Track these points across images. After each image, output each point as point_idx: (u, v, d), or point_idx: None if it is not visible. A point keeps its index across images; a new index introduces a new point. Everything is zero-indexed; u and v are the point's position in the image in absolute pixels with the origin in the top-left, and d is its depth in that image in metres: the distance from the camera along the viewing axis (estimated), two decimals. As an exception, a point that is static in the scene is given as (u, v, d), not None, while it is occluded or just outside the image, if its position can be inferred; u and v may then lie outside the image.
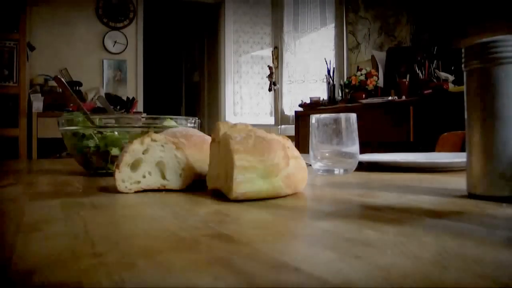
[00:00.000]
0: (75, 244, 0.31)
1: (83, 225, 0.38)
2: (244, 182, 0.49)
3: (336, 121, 0.97)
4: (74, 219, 0.41)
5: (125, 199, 0.52)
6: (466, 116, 0.56)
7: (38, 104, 3.93)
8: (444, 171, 0.88)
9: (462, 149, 1.47)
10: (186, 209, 0.46)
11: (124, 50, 4.73)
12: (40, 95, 3.98)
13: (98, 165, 0.87)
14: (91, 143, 0.87)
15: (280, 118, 4.68)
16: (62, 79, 0.86)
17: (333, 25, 4.07)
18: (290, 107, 4.44)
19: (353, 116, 0.99)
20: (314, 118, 0.99)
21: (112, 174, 0.86)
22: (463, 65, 0.55)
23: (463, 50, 0.56)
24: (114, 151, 0.85)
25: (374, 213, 0.43)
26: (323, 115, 0.98)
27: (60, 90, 0.87)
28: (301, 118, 3.58)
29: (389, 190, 0.62)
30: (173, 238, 0.33)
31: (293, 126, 3.67)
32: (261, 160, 0.50)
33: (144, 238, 0.33)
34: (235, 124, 0.57)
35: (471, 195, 0.54)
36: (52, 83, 4.06)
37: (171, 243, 0.31)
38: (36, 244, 0.31)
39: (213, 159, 0.57)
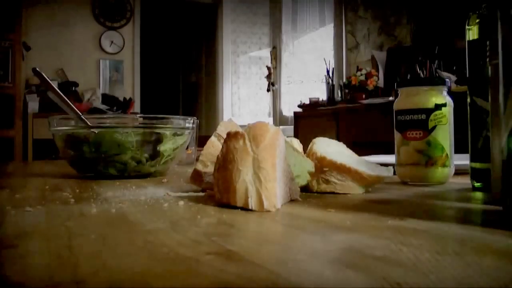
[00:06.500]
0: (54, 265, 0.26)
1: (67, 240, 0.33)
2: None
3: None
4: (58, 231, 0.36)
5: (119, 207, 0.47)
6: (490, 116, 0.51)
7: (33, 104, 3.87)
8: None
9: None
10: (187, 218, 0.42)
11: (121, 50, 4.68)
12: (35, 95, 3.92)
13: (91, 168, 0.82)
14: (84, 145, 0.82)
15: (279, 119, 4.63)
16: (42, 73, 0.81)
17: (332, 24, 4.03)
18: (289, 108, 4.40)
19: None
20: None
21: (105, 177, 0.82)
22: (487, 59, 0.51)
23: (488, 43, 0.51)
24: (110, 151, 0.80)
25: (397, 224, 0.38)
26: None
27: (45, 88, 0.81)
28: (300, 119, 3.54)
29: (405, 194, 0.57)
30: (171, 257, 0.28)
31: (292, 127, 3.62)
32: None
33: (136, 257, 0.28)
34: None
35: (496, 202, 0.49)
36: (48, 83, 4.00)
37: (169, 264, 0.27)
38: (7, 265, 0.26)
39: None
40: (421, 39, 3.13)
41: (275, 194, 0.45)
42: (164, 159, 0.85)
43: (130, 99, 4.47)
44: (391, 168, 0.60)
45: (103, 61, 4.62)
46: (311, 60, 4.32)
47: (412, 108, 0.70)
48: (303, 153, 0.59)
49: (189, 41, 6.00)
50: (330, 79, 3.66)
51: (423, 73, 2.82)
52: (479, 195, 0.57)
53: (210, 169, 0.56)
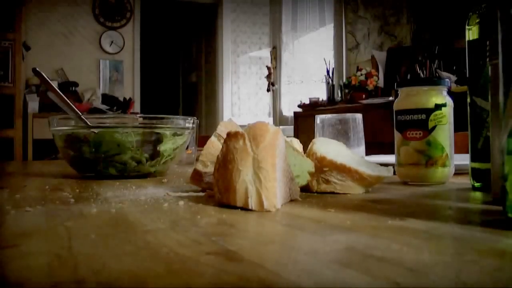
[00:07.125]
0: (54, 265, 0.26)
1: (67, 240, 0.33)
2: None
3: (342, 122, 0.93)
4: (58, 232, 0.36)
5: (119, 207, 0.47)
6: (490, 116, 0.51)
7: (33, 104, 3.87)
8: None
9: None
10: (187, 218, 0.42)
11: (120, 50, 4.68)
12: (35, 95, 3.92)
13: (91, 168, 0.82)
14: (84, 145, 0.82)
15: (279, 118, 4.63)
16: (42, 73, 0.81)
17: (332, 25, 4.03)
18: (289, 108, 4.40)
19: (359, 116, 0.95)
20: (319, 119, 0.95)
21: (105, 177, 0.82)
22: (487, 59, 0.51)
23: (488, 43, 0.51)
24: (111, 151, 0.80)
25: (397, 224, 0.38)
26: (328, 116, 0.93)
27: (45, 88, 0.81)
28: (300, 119, 3.53)
29: (405, 194, 0.57)
30: (171, 257, 0.28)
31: (292, 127, 3.62)
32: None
33: (136, 257, 0.28)
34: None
35: (496, 202, 0.49)
36: (48, 83, 4.00)
37: (169, 264, 0.27)
38: (7, 265, 0.26)
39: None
40: (421, 39, 3.13)
41: (275, 194, 0.45)
42: (164, 159, 0.85)
43: (130, 99, 4.47)
44: (391, 168, 0.60)
45: (103, 61, 4.61)
46: (311, 60, 4.32)
47: (412, 108, 0.70)
48: (303, 153, 0.59)
49: (189, 41, 6.00)
50: (330, 79, 3.66)
51: (423, 73, 2.82)
52: (479, 195, 0.57)
53: (210, 169, 0.56)
